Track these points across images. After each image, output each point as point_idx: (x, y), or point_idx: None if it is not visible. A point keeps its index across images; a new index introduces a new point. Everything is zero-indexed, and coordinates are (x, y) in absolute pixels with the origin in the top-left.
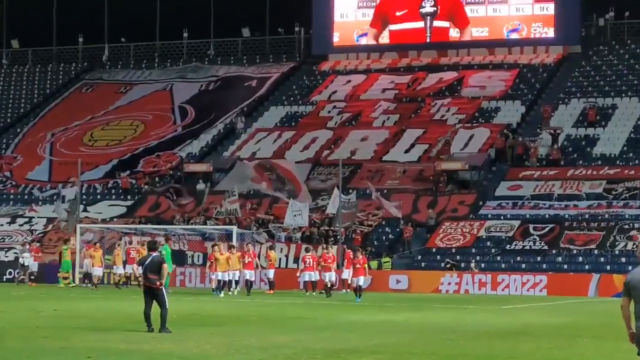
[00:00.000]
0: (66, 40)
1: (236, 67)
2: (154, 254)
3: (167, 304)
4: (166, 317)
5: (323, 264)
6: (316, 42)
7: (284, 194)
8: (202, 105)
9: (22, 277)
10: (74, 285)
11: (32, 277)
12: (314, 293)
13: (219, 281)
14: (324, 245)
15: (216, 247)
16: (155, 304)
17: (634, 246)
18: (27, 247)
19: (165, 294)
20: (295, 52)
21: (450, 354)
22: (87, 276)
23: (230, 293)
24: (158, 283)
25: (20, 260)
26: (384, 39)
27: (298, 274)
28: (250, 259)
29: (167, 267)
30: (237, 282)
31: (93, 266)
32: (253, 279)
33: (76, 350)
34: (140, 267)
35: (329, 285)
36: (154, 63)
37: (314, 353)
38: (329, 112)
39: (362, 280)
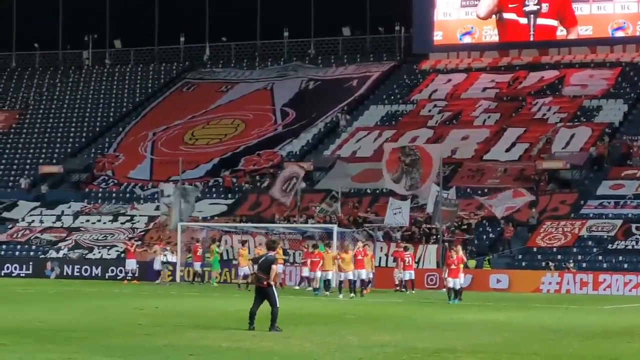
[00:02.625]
0: (168, 40)
1: (337, 66)
2: (271, 253)
3: (277, 303)
4: (276, 316)
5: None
6: (416, 41)
7: (401, 183)
8: (302, 105)
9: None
10: (216, 285)
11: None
12: (413, 292)
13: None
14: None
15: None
16: (266, 303)
17: None
18: (168, 247)
19: (275, 292)
20: (396, 51)
21: (552, 354)
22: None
23: (327, 293)
24: (265, 282)
25: (162, 258)
26: (490, 35)
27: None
28: (360, 257)
29: (277, 268)
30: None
31: (240, 266)
32: (364, 278)
33: (178, 347)
34: (256, 265)
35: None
36: (255, 62)
37: (414, 352)
38: (429, 111)
39: (453, 283)
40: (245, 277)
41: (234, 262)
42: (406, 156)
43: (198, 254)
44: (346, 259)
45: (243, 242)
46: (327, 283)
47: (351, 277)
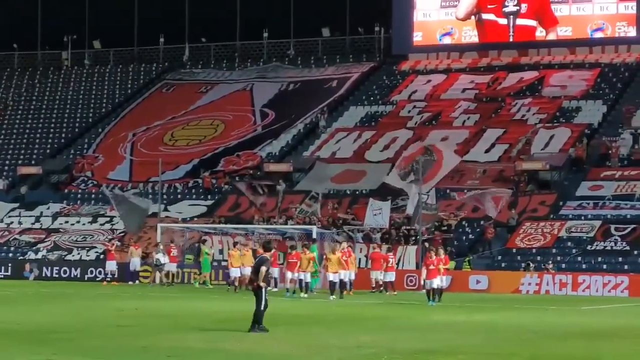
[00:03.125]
0: (147, 41)
1: (316, 67)
2: (266, 254)
3: (263, 304)
4: (258, 317)
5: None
6: (396, 41)
7: (407, 179)
8: (282, 105)
9: (155, 279)
10: (211, 287)
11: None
12: (394, 293)
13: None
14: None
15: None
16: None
17: None
18: (161, 247)
19: (264, 294)
20: (375, 52)
21: (532, 355)
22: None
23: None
24: (255, 284)
25: (155, 260)
26: (469, 36)
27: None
28: (345, 258)
29: (264, 269)
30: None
31: (232, 267)
32: (348, 279)
33: (157, 349)
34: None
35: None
36: (234, 63)
37: (394, 353)
38: (409, 111)
39: (433, 283)
40: (232, 280)
41: (215, 263)
42: (425, 155)
43: (172, 254)
44: (333, 260)
45: (234, 244)
46: (303, 284)
47: (341, 278)
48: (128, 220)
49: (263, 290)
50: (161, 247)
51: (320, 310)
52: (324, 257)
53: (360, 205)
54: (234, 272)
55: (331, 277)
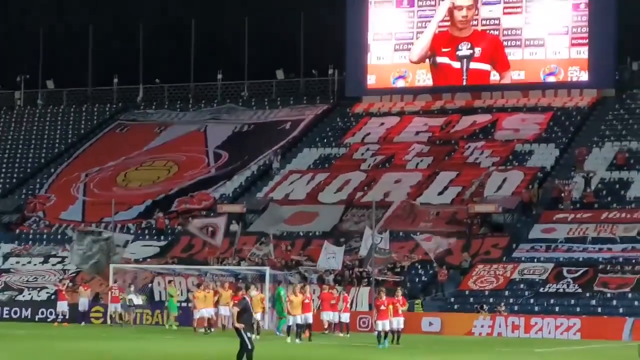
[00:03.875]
0: (101, 81)
1: (270, 108)
2: (245, 296)
3: (249, 345)
4: (247, 357)
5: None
6: (350, 84)
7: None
8: (235, 147)
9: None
10: (176, 328)
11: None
12: (347, 335)
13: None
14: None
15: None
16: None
17: None
18: (132, 288)
19: (243, 335)
20: (329, 94)
21: None
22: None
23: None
24: (232, 325)
25: (127, 301)
26: (423, 80)
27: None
28: (307, 301)
29: (232, 310)
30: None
31: (196, 309)
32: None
33: None
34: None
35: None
36: (188, 104)
37: None
38: (362, 154)
39: (385, 325)
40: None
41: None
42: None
43: (114, 295)
44: (295, 302)
45: (198, 285)
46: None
47: (299, 322)
48: (92, 262)
49: (242, 331)
50: (132, 288)
51: (270, 352)
52: (288, 299)
53: (314, 246)
54: (203, 313)
55: (292, 319)
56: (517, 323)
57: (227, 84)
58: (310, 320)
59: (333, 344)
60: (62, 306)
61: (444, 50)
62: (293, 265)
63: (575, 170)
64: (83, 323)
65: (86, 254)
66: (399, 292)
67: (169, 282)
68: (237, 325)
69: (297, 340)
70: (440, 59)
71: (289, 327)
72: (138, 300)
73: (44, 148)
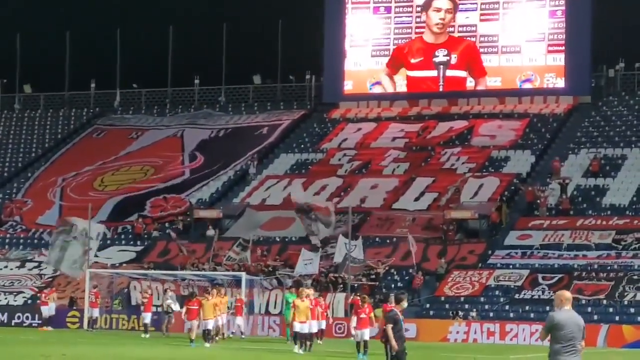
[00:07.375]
0: (78, 86)
1: (247, 114)
2: None
3: None
4: None
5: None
6: (327, 90)
7: (316, 237)
8: (212, 152)
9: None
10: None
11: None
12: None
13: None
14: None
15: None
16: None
17: None
18: (170, 293)
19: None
20: (306, 99)
21: None
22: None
23: (207, 345)
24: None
25: (165, 307)
26: (399, 85)
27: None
28: (321, 310)
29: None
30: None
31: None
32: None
33: None
34: None
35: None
36: (165, 109)
37: None
38: (339, 159)
39: (365, 334)
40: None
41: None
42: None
43: (92, 300)
44: (301, 308)
45: (205, 291)
46: (206, 333)
47: (307, 331)
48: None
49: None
50: (170, 293)
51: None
52: (293, 304)
53: (290, 252)
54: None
55: (298, 327)
56: (493, 329)
57: (204, 89)
58: (315, 330)
59: (310, 354)
60: (46, 310)
61: (413, 61)
62: (269, 271)
63: (551, 177)
64: (50, 328)
65: (61, 251)
66: (366, 299)
67: (164, 291)
68: (395, 346)
69: (301, 351)
70: (410, 73)
71: (295, 335)
72: (176, 306)
73: (21, 152)
